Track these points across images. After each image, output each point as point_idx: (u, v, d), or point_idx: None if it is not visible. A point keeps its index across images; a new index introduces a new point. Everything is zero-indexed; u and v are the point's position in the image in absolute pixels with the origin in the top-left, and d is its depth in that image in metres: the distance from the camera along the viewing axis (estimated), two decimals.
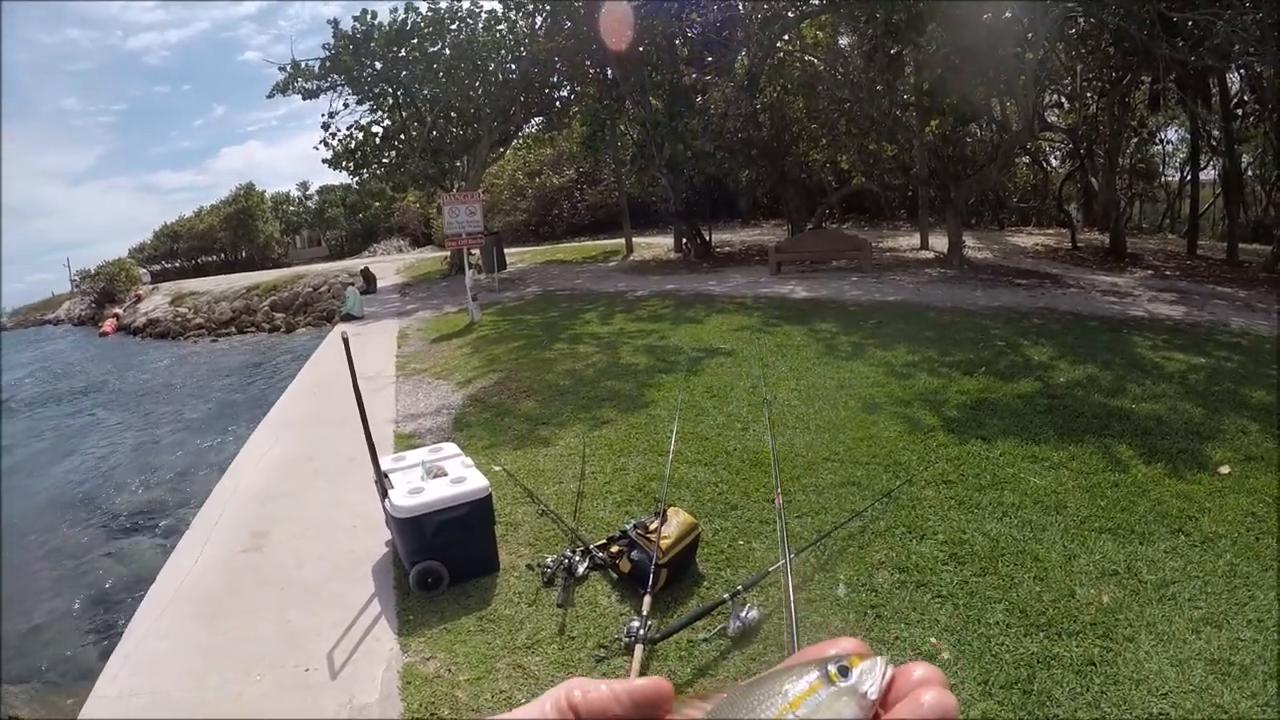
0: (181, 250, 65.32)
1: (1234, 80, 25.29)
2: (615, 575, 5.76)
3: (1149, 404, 9.31)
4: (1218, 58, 19.16)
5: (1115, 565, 5.69)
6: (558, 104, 29.19)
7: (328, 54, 25.93)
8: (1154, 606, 5.17)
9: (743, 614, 4.92)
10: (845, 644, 0.54)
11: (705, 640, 4.90)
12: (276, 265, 50.98)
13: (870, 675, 0.53)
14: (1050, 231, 32.28)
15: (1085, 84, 25.89)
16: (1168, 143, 37.58)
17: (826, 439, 8.40)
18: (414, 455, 6.61)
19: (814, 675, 0.52)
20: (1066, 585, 5.43)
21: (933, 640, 4.85)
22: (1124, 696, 4.34)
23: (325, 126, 27.36)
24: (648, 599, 5.10)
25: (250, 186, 64.73)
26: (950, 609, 5.18)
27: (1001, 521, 6.37)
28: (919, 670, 0.52)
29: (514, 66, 27.15)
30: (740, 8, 23.14)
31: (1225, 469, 7.37)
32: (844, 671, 0.52)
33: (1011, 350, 12.18)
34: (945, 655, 4.69)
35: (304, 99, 26.82)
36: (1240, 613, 5.11)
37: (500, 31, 26.73)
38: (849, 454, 7.92)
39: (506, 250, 29.72)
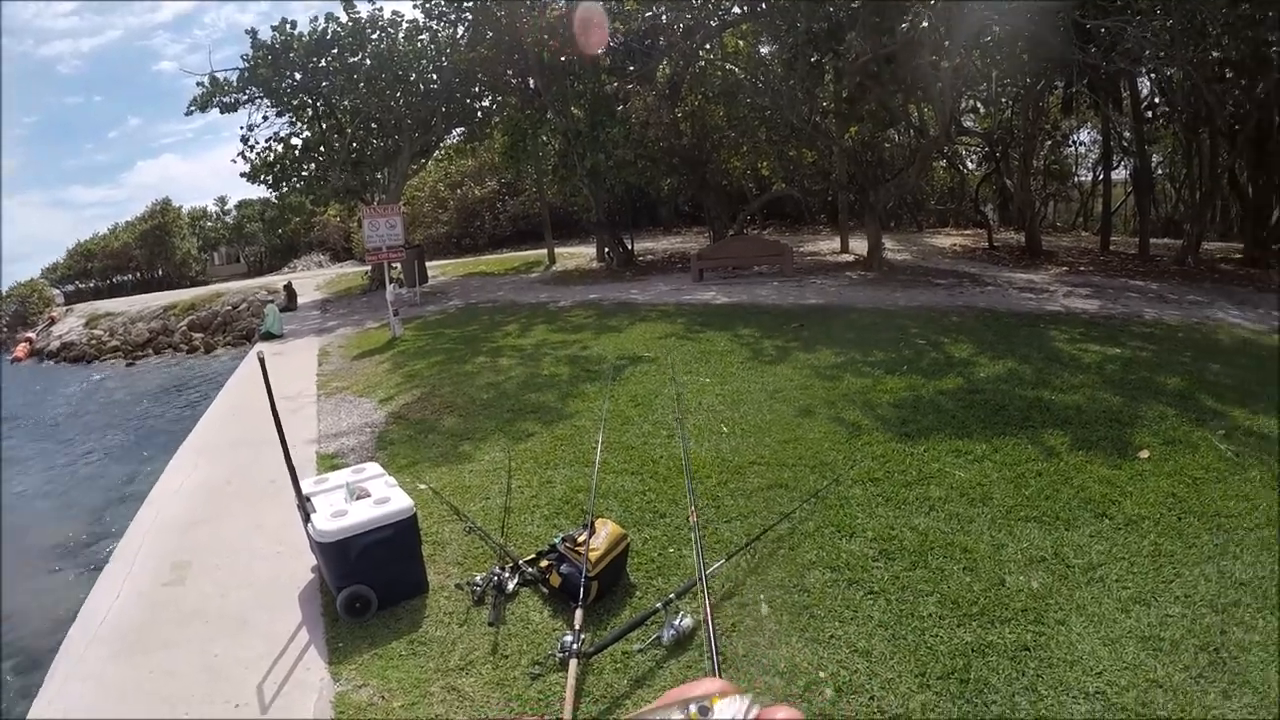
0: (96, 269, 63.09)
1: (1144, 84, 26.08)
2: (546, 590, 5.64)
3: (1068, 395, 9.49)
4: (1129, 62, 19.71)
5: (1043, 552, 5.76)
6: (479, 114, 28.85)
7: (246, 65, 25.32)
8: (1083, 589, 5.25)
9: (676, 622, 4.86)
10: (710, 684, 0.54)
11: (640, 651, 4.81)
12: (194, 283, 49.39)
13: (730, 710, 0.52)
14: (968, 232, 32.93)
15: (1000, 89, 26.42)
16: (1080, 144, 38.73)
17: (752, 443, 8.39)
18: (336, 477, 6.42)
19: (677, 716, 0.52)
20: (996, 574, 5.47)
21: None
22: (1059, 678, 4.39)
23: (244, 139, 26.71)
24: (580, 612, 4.99)
25: (166, 202, 62.68)
26: (883, 604, 5.18)
27: (929, 516, 6.40)
28: (782, 713, 0.51)
29: (435, 76, 26.76)
30: (663, 17, 23.19)
31: (1145, 454, 7.54)
32: (704, 711, 0.52)
33: (933, 348, 12.34)
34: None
35: (222, 112, 26.18)
36: (1167, 590, 5.23)
37: (421, 41, 26.33)
38: (775, 457, 7.91)
39: (429, 263, 29.39)
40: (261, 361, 5.73)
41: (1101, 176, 31.02)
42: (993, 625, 4.86)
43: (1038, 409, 8.96)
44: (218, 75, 25.84)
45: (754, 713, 0.51)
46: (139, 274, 62.25)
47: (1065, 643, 4.68)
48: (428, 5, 25.31)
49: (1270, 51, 19.75)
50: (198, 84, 25.93)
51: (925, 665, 4.52)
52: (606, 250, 27.48)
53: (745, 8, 23.63)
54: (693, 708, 0.51)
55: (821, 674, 4.54)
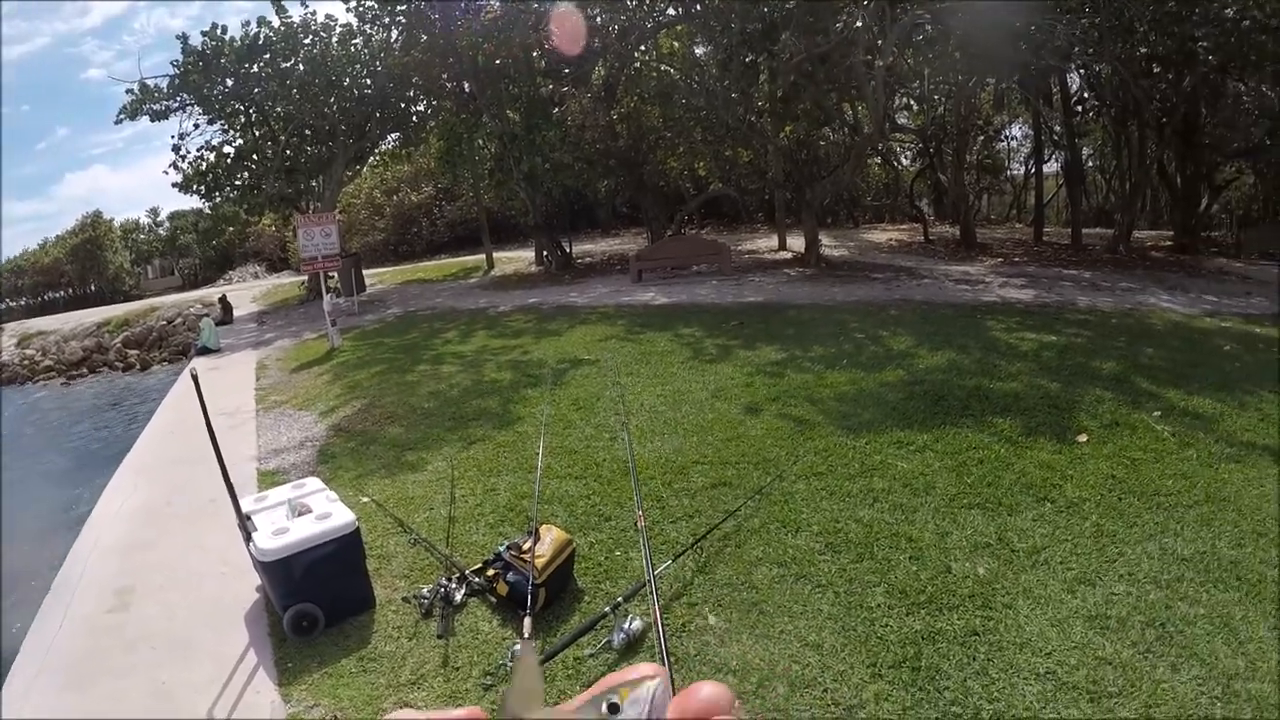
0: (26, 287, 61.52)
1: (1074, 79, 26.61)
2: (494, 599, 5.54)
3: (1007, 383, 9.59)
4: (1059, 59, 20.09)
5: (987, 538, 5.79)
6: (414, 119, 28.49)
7: (176, 72, 24.74)
8: (1028, 573, 5.29)
9: (626, 625, 4.80)
10: (643, 669, 0.52)
11: (591, 655, 4.75)
12: (128, 298, 48.18)
13: (636, 705, 0.49)
14: (903, 226, 33.36)
15: (933, 87, 26.79)
16: (1012, 139, 39.55)
17: (695, 442, 8.34)
18: (277, 494, 6.26)
19: (590, 713, 0.49)
20: (942, 562, 5.49)
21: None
22: (1009, 661, 4.41)
23: (175, 149, 26.09)
24: (528, 620, 4.91)
25: (97, 215, 61.21)
26: (831, 597, 5.16)
27: (873, 507, 6.41)
28: (705, 689, 0.48)
29: (369, 81, 26.39)
30: (598, 19, 23.13)
31: (1083, 437, 7.65)
32: (614, 709, 0.49)
33: (873, 342, 12.41)
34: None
35: (152, 120, 25.58)
36: (1111, 569, 5.30)
37: (355, 45, 25.93)
38: (718, 455, 7.87)
39: (366, 271, 29.00)
40: (195, 379, 5.57)
41: (1034, 170, 31.66)
42: (941, 612, 4.87)
43: (977, 398, 9.05)
44: (147, 82, 25.22)
45: (662, 695, 0.48)
46: (71, 290, 60.65)
47: (1014, 626, 4.70)
48: (361, 9, 24.90)
49: (1196, 46, 20.20)
50: (127, 91, 25.25)
51: (876, 655, 4.51)
52: (545, 254, 27.35)
53: (680, 9, 23.73)
54: (603, 705, 0.48)
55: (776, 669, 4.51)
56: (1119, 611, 4.80)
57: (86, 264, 59.27)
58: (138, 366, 26.67)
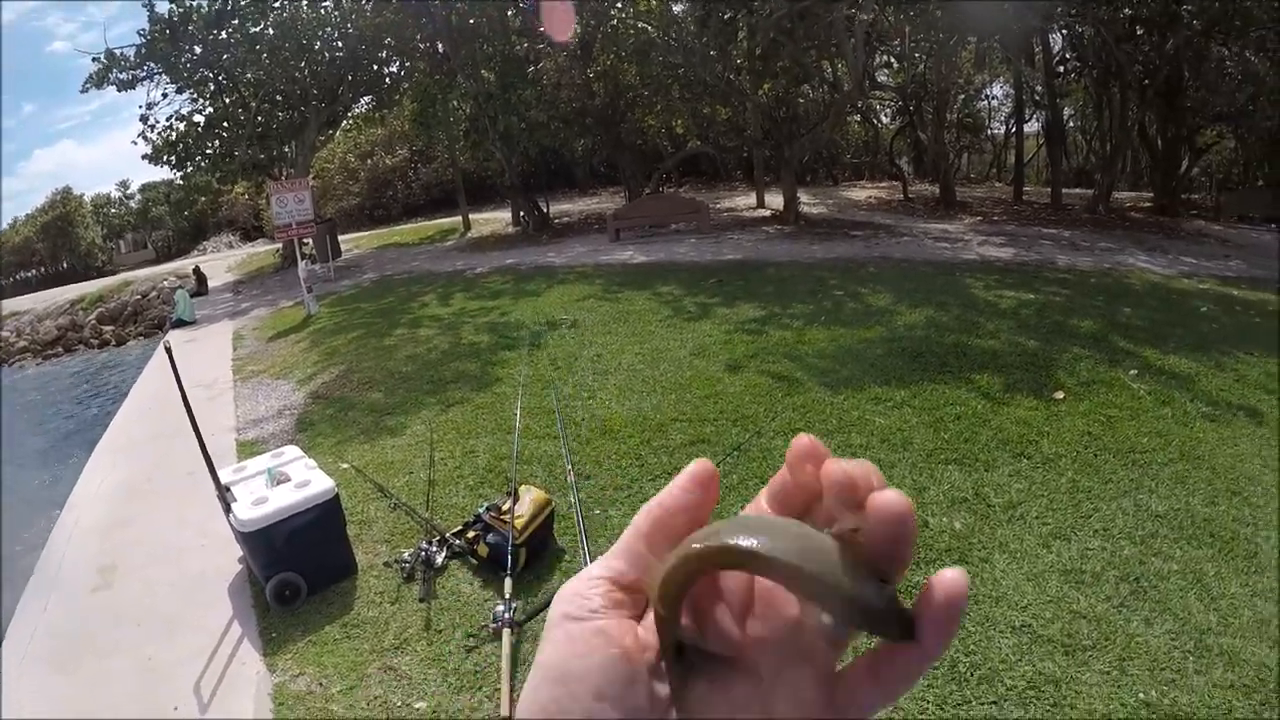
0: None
1: (1056, 40, 26.50)
2: (475, 561, 5.52)
3: (985, 340, 9.61)
4: (1041, 18, 19.98)
5: (964, 493, 5.80)
6: (387, 81, 28.03)
7: (143, 40, 24.22)
8: (1005, 528, 5.32)
9: None
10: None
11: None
12: (101, 274, 47.51)
13: None
14: (883, 185, 33.30)
15: (914, 44, 26.60)
16: (993, 98, 39.38)
17: (674, 400, 8.32)
18: (255, 463, 6.20)
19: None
20: (920, 516, 5.45)
21: None
22: (986, 614, 4.44)
23: (144, 119, 25.49)
24: (509, 581, 4.91)
25: (67, 190, 60.39)
26: None
27: None
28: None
29: (340, 44, 25.86)
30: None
31: (1060, 394, 7.68)
32: None
33: (852, 299, 12.40)
34: None
35: (119, 90, 24.88)
36: (1086, 524, 5.33)
37: (325, 7, 25.36)
38: (697, 413, 7.86)
39: (341, 236, 28.73)
40: (169, 351, 5.50)
41: (1014, 129, 31.65)
42: (918, 566, 4.87)
43: (955, 355, 9.06)
44: (114, 51, 24.72)
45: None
46: (43, 268, 59.96)
47: (990, 580, 4.73)
48: None
49: (1180, 10, 20.16)
50: (93, 59, 24.72)
51: None
52: (522, 214, 27.11)
53: None
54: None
55: None
56: (1094, 566, 4.84)
57: (58, 241, 58.57)
58: (114, 343, 26.39)
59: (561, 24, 21.69)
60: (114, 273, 45.20)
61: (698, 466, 0.50)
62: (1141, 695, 3.88)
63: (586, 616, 0.46)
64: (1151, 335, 9.88)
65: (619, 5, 24.33)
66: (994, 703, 3.90)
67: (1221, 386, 8.08)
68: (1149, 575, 4.74)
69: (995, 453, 6.44)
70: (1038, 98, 30.33)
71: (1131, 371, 8.37)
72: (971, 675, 4.04)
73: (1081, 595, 4.56)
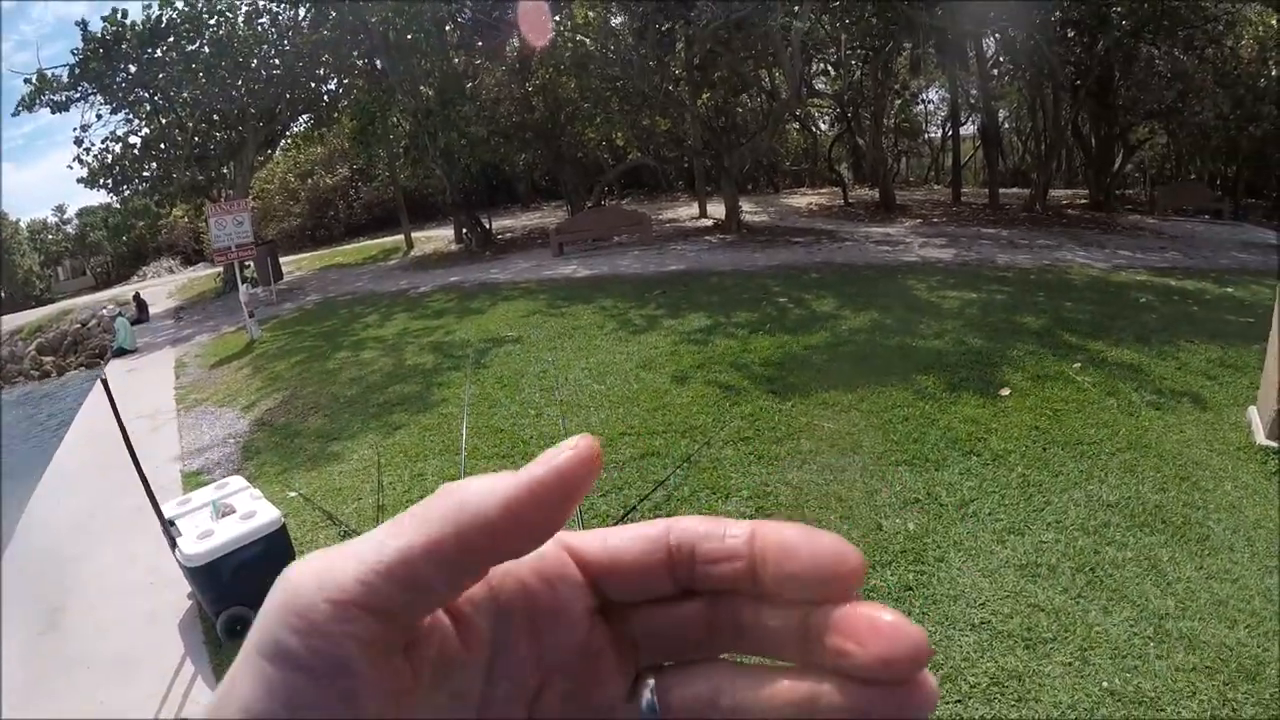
0: None
1: (989, 44, 26.93)
2: None
3: (930, 341, 9.67)
4: (974, 24, 20.28)
5: (916, 493, 5.79)
6: (326, 99, 27.76)
7: (76, 60, 23.78)
8: (958, 526, 5.31)
9: None
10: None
11: None
12: (40, 302, 46.49)
13: None
14: (823, 191, 33.55)
15: (850, 52, 26.89)
16: (929, 102, 39.95)
17: (622, 413, 8.24)
18: (200, 495, 6.05)
19: None
20: (873, 519, 5.47)
21: None
22: (945, 613, 4.42)
23: (78, 141, 25.05)
24: None
25: (2, 216, 59.35)
26: None
27: (801, 469, 6.38)
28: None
29: (278, 61, 25.53)
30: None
31: (1006, 391, 7.72)
32: None
33: (796, 305, 12.43)
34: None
35: (53, 112, 24.51)
36: (1039, 518, 5.34)
37: (262, 25, 25.07)
38: (646, 425, 7.78)
39: (283, 258, 28.33)
40: (105, 386, 5.34)
41: (951, 132, 32.10)
42: (874, 569, 4.86)
43: (902, 356, 9.11)
44: (45, 72, 24.21)
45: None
46: None
47: (946, 578, 4.71)
48: None
49: (1110, 11, 20.58)
50: (25, 81, 24.28)
51: None
52: (464, 231, 26.92)
53: None
54: None
55: None
56: (1049, 559, 4.84)
57: None
58: (54, 374, 25.70)
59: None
60: (53, 300, 44.18)
61: (586, 443, 0.35)
62: (1105, 684, 3.86)
63: (317, 667, 0.31)
64: (1094, 328, 10.01)
65: (557, 19, 24.33)
66: (958, 701, 3.87)
67: (1165, 375, 8.20)
68: (1104, 564, 4.75)
69: (945, 452, 6.44)
70: (973, 101, 30.85)
71: (1075, 364, 8.44)
72: (934, 674, 3.99)
73: (1039, 588, 4.55)
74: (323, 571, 0.32)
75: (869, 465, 6.33)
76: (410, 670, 0.33)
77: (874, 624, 0.31)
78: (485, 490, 0.33)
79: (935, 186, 35.65)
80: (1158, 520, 5.26)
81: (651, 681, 0.37)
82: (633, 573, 0.36)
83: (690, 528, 0.36)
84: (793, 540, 0.33)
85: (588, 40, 24.91)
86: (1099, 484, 5.78)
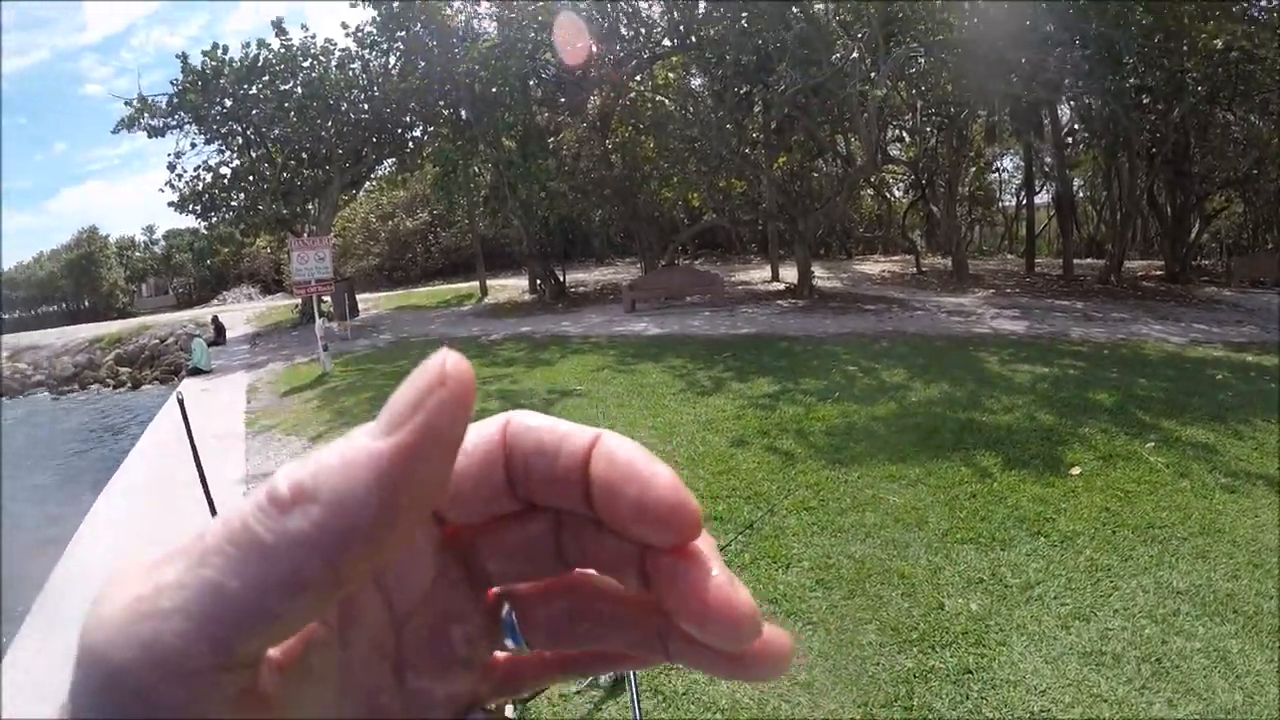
0: (20, 300, 61.28)
1: (1064, 111, 26.83)
2: None
3: (1001, 415, 9.56)
4: (1049, 91, 20.28)
5: (980, 573, 5.73)
6: (410, 145, 28.42)
7: (175, 90, 24.77)
8: (1022, 608, 5.23)
9: None
10: None
11: (578, 692, 4.65)
12: (122, 315, 47.88)
13: None
14: (896, 258, 33.50)
15: (925, 119, 26.99)
16: (1004, 170, 39.81)
17: (686, 475, 7.99)
18: None
19: None
20: (935, 598, 5.42)
21: None
22: (1003, 699, 4.35)
23: (171, 167, 26.05)
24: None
25: (94, 230, 61.36)
26: (823, 634, 5.09)
27: (865, 543, 6.34)
28: None
29: (366, 106, 26.37)
30: (594, 49, 23.25)
31: (1076, 470, 7.61)
32: None
33: (865, 374, 12.39)
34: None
35: (150, 136, 25.39)
36: (1106, 604, 5.25)
37: (353, 70, 25.91)
38: (709, 489, 7.79)
39: (359, 296, 28.96)
40: (181, 404, 5.51)
41: (1025, 201, 31.88)
42: (934, 650, 4.80)
43: (970, 431, 9.01)
44: (146, 97, 25.22)
45: None
46: (65, 305, 60.48)
47: (1007, 663, 4.64)
48: (360, 34, 25.00)
49: (1185, 78, 20.45)
50: (126, 103, 25.26)
51: (868, 694, 4.44)
52: (539, 282, 27.33)
53: (675, 40, 23.87)
54: None
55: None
56: (1114, 647, 4.75)
57: (81, 279, 59.21)
58: (129, 384, 26.51)
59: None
60: (134, 315, 45.52)
61: (456, 368, 0.28)
62: None
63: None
64: (1168, 406, 9.83)
65: (638, 79, 24.78)
66: None
67: (1240, 456, 8.02)
68: (1171, 655, 4.65)
69: (1011, 531, 6.37)
70: (1047, 169, 30.66)
71: (1149, 444, 8.31)
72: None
73: (1102, 678, 4.47)
74: (149, 640, 0.25)
75: (933, 542, 6.28)
76: (263, 684, 0.28)
77: (700, 592, 0.30)
78: (343, 495, 0.26)
79: (1009, 256, 35.39)
80: (1229, 609, 5.13)
81: (508, 605, 0.36)
82: (474, 496, 0.33)
83: (524, 437, 0.32)
84: (623, 478, 0.31)
85: (667, 101, 25.34)
86: (1169, 570, 5.67)
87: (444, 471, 0.28)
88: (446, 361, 0.28)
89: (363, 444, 0.27)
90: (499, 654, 0.38)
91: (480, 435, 0.32)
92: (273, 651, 0.29)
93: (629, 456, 0.31)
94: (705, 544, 0.32)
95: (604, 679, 4.62)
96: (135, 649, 0.25)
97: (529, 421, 0.32)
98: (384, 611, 0.33)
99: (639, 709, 4.04)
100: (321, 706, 0.31)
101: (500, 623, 0.36)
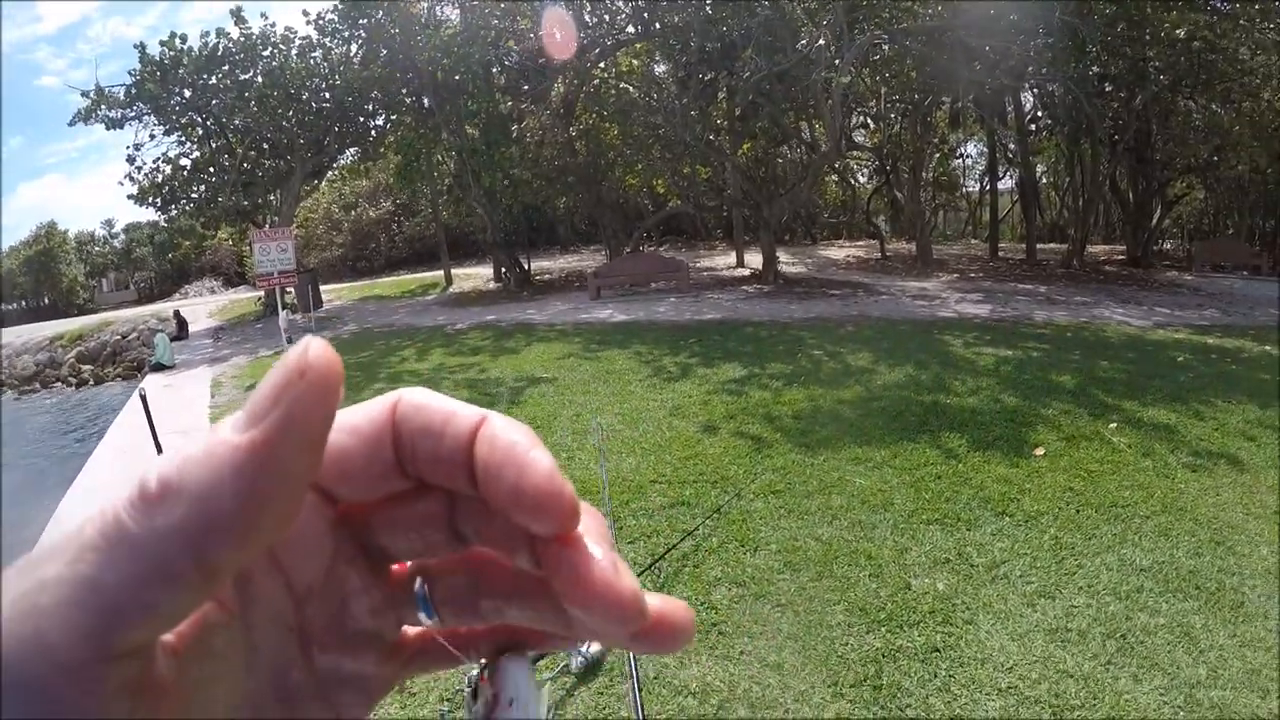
0: None
1: (1028, 98, 27.07)
2: None
3: (964, 398, 9.64)
4: (1013, 78, 20.42)
5: (946, 553, 5.77)
6: (373, 133, 28.17)
7: (133, 80, 24.36)
8: (988, 587, 5.28)
9: (584, 649, 4.66)
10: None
11: (550, 679, 4.60)
12: (82, 311, 47.26)
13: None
14: (860, 243, 33.71)
15: (889, 105, 27.11)
16: (968, 156, 40.12)
17: (653, 461, 8.24)
18: None
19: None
20: (902, 578, 5.45)
21: None
22: (971, 676, 4.38)
23: (130, 159, 25.63)
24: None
25: (52, 225, 60.30)
26: (791, 616, 5.09)
27: (832, 525, 6.36)
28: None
29: (328, 95, 25.99)
30: (557, 36, 23.14)
31: (1040, 451, 7.70)
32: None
33: (830, 358, 12.43)
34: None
35: (108, 128, 24.87)
36: (1070, 582, 5.31)
37: (314, 58, 25.57)
38: (676, 474, 7.77)
39: (323, 287, 28.68)
40: (144, 400, 5.43)
41: (989, 186, 32.15)
42: (902, 629, 4.83)
43: (935, 413, 9.07)
44: (103, 88, 24.79)
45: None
46: (24, 302, 59.56)
47: (974, 641, 4.67)
48: (321, 22, 24.72)
49: (1147, 67, 20.66)
50: (82, 94, 24.80)
51: (837, 674, 4.45)
52: (504, 271, 27.20)
53: (640, 27, 23.80)
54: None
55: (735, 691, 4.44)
56: (1079, 624, 4.80)
57: (40, 276, 58.27)
58: (91, 382, 26.11)
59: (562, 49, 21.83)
60: (95, 311, 44.83)
61: (320, 356, 0.28)
62: None
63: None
64: (1130, 387, 9.97)
65: (601, 66, 24.68)
66: None
67: (1201, 436, 8.14)
68: (1135, 631, 4.71)
69: (977, 511, 6.42)
70: (1011, 155, 30.89)
71: (1111, 425, 8.41)
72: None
73: (1068, 654, 4.52)
74: (33, 636, 0.25)
75: (899, 523, 6.31)
76: (158, 670, 0.28)
77: (584, 578, 0.30)
78: (206, 490, 0.26)
79: (972, 241, 35.71)
80: (1191, 586, 5.21)
81: (420, 579, 0.36)
82: (365, 475, 0.33)
83: (412, 417, 0.32)
84: (500, 463, 0.30)
85: (631, 88, 25.27)
86: (1132, 548, 5.74)
87: (308, 463, 0.28)
88: (309, 351, 0.28)
89: (224, 438, 0.27)
90: (409, 631, 0.39)
91: (370, 414, 0.33)
92: (167, 637, 0.28)
93: (509, 441, 0.30)
94: (595, 526, 0.32)
95: (575, 665, 4.60)
96: (21, 645, 0.25)
97: (418, 400, 0.33)
98: (283, 590, 0.33)
99: (639, 702, 4.04)
100: (227, 686, 0.32)
101: (412, 596, 0.36)
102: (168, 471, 0.27)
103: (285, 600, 0.33)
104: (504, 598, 0.36)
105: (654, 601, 0.32)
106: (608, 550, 0.31)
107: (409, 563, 0.37)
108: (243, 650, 0.32)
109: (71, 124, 25.35)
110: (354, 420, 0.33)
